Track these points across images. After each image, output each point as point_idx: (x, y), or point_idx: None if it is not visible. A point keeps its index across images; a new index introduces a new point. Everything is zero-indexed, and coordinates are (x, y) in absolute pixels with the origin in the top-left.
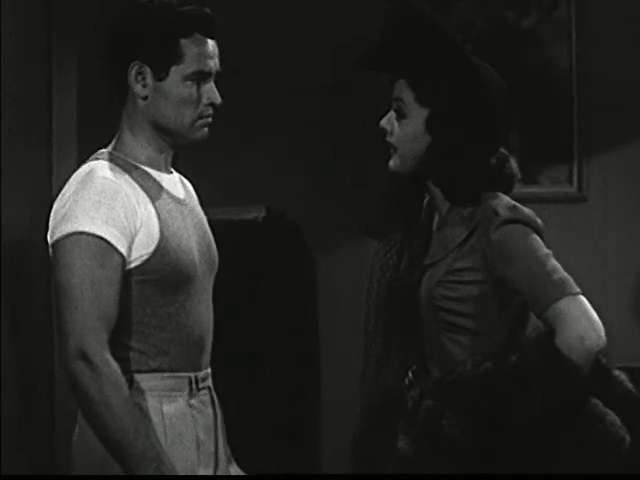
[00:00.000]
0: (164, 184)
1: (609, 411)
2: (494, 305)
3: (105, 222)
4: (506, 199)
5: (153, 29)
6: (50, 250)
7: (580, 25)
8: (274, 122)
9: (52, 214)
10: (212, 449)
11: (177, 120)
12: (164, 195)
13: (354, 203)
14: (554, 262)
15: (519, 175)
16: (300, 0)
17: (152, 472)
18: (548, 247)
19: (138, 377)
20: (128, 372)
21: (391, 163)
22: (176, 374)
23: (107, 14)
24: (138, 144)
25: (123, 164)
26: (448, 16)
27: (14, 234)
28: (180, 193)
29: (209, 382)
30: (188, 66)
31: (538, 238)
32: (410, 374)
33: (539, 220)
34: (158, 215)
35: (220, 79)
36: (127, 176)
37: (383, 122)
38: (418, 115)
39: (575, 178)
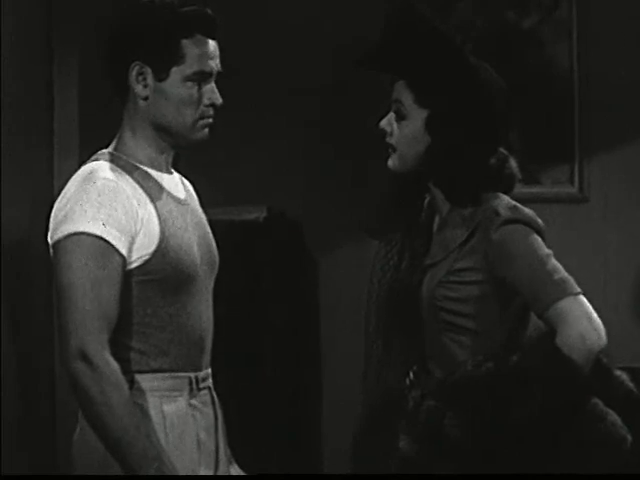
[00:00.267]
0: (165, 184)
1: (610, 411)
2: (495, 305)
3: (106, 223)
4: (506, 199)
5: (154, 29)
6: (51, 250)
7: (581, 25)
8: (274, 122)
9: (53, 214)
10: (212, 449)
11: (178, 120)
12: (165, 195)
13: (354, 203)
14: (555, 262)
15: (519, 175)
16: (300, 0)
17: (153, 472)
18: (549, 247)
19: (139, 377)
20: (129, 372)
21: (390, 162)
22: (177, 374)
23: (108, 14)
24: (139, 144)
25: (124, 164)
26: (448, 16)
27: (14, 234)
28: (181, 193)
29: (209, 382)
30: (189, 67)
31: (539, 238)
32: (411, 374)
33: (540, 220)
34: (159, 215)
35: (220, 79)
36: (128, 176)
37: (383, 123)
38: (417, 116)
39: (576, 178)
